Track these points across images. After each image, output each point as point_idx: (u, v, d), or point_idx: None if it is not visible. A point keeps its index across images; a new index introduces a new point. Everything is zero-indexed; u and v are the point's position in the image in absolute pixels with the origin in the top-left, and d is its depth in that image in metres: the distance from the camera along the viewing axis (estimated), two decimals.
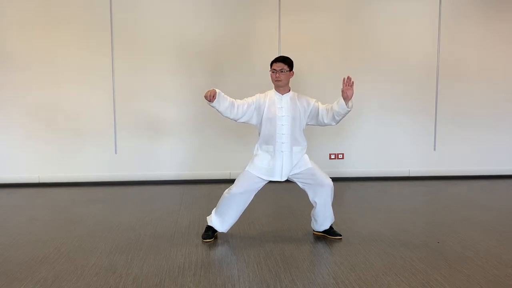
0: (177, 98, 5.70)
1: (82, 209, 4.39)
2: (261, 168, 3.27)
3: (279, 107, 3.28)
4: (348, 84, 3.16)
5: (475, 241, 3.32)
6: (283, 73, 3.28)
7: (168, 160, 5.75)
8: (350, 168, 5.99)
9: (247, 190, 3.29)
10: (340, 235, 3.42)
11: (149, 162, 5.73)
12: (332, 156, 5.97)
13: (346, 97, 3.17)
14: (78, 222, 3.88)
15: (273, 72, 3.31)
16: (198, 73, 5.69)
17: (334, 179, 5.82)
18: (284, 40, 5.74)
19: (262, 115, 3.28)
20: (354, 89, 3.17)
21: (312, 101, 3.36)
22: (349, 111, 3.23)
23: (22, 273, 2.72)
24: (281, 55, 3.40)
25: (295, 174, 3.32)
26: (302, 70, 5.77)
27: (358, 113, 5.93)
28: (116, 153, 5.69)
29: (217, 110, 3.19)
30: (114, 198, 4.93)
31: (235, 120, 3.30)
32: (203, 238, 3.35)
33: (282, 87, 3.34)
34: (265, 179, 3.30)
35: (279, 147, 3.25)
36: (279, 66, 3.29)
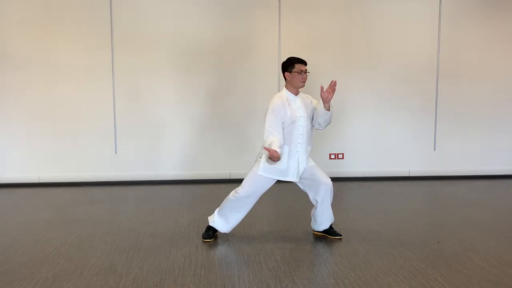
0: (177, 98, 5.70)
1: (82, 209, 4.39)
2: (274, 169, 3.23)
3: (296, 108, 3.26)
4: (331, 87, 3.18)
5: (475, 241, 3.32)
6: (307, 74, 3.27)
7: (168, 160, 5.75)
8: (350, 168, 5.99)
9: (255, 192, 3.27)
10: (340, 235, 3.42)
11: (149, 162, 5.73)
12: (332, 156, 5.97)
13: (323, 99, 3.19)
14: (78, 222, 3.88)
15: (299, 73, 3.24)
16: (198, 72, 5.69)
17: (334, 179, 5.81)
18: (284, 40, 5.74)
19: (286, 118, 3.22)
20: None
21: (315, 102, 3.38)
22: (328, 113, 3.25)
23: (22, 273, 2.72)
24: (295, 56, 3.33)
25: (304, 172, 3.32)
26: None
27: (358, 113, 5.94)
28: (116, 153, 5.68)
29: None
30: (114, 198, 4.93)
31: None
32: (204, 238, 3.35)
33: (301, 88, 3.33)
34: (279, 179, 3.28)
35: (295, 147, 3.24)
36: (304, 67, 3.27)
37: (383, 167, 6.03)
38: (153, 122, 5.69)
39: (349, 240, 3.36)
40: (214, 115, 5.75)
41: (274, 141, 3.09)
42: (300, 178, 3.34)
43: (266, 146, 3.09)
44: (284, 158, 3.23)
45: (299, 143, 3.25)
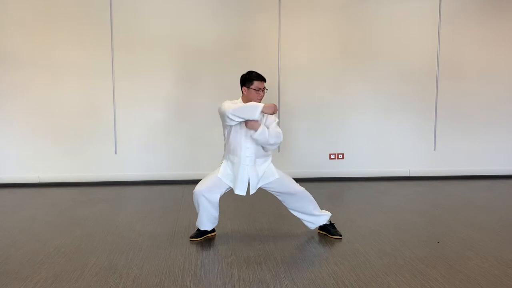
0: (177, 98, 5.70)
1: (82, 209, 4.39)
2: (229, 175, 3.27)
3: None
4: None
5: (475, 241, 3.32)
6: (264, 92, 3.27)
7: (168, 160, 5.75)
8: (350, 168, 5.99)
9: (210, 190, 3.25)
10: (341, 235, 3.42)
11: (149, 162, 5.73)
12: (332, 156, 5.97)
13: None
14: (78, 222, 3.88)
15: (257, 91, 3.21)
16: (197, 72, 5.69)
17: (334, 179, 5.89)
18: (284, 40, 5.74)
19: (232, 126, 3.22)
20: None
21: (273, 123, 3.26)
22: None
23: (23, 273, 2.72)
24: (256, 71, 3.28)
25: (264, 184, 3.33)
26: (302, 70, 5.77)
27: (358, 113, 5.94)
28: (116, 153, 5.69)
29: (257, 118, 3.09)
30: (114, 198, 4.93)
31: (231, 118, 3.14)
32: (190, 237, 3.40)
33: None
34: (231, 187, 3.30)
35: (244, 161, 3.22)
36: (263, 85, 3.25)
37: (383, 167, 6.03)
38: (153, 122, 5.69)
39: (349, 240, 3.36)
40: (214, 115, 5.73)
41: (242, 104, 3.08)
42: (269, 189, 3.35)
43: (250, 110, 3.02)
44: (229, 168, 3.26)
45: (247, 156, 3.22)
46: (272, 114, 3.14)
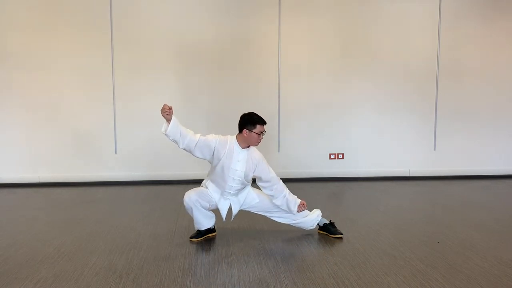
0: (176, 98, 5.69)
1: (82, 209, 4.39)
2: (215, 196, 3.33)
3: (236, 161, 3.22)
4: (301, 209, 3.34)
5: (475, 241, 3.32)
6: (263, 135, 3.27)
7: (168, 160, 5.75)
8: (350, 168, 5.99)
9: (202, 198, 3.28)
10: (342, 234, 3.43)
11: (149, 162, 5.73)
12: (332, 156, 5.97)
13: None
14: (78, 222, 3.88)
15: (258, 134, 3.20)
16: (197, 72, 5.69)
17: (334, 179, 5.89)
18: (284, 40, 5.74)
19: (218, 162, 3.22)
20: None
21: (264, 170, 3.28)
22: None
23: (22, 273, 2.72)
24: (258, 114, 3.23)
25: (246, 208, 3.42)
26: (302, 69, 5.77)
27: (358, 113, 5.94)
28: (116, 153, 5.69)
29: (169, 131, 3.05)
30: (114, 198, 4.93)
31: (191, 152, 3.22)
32: (190, 237, 3.41)
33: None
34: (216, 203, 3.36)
35: (227, 195, 3.32)
36: (264, 128, 3.24)
37: (383, 167, 6.03)
38: (153, 122, 5.68)
39: (349, 240, 3.36)
40: (214, 115, 5.75)
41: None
42: (252, 211, 3.44)
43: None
44: (217, 193, 3.32)
45: (230, 192, 3.30)
46: (166, 117, 2.99)
